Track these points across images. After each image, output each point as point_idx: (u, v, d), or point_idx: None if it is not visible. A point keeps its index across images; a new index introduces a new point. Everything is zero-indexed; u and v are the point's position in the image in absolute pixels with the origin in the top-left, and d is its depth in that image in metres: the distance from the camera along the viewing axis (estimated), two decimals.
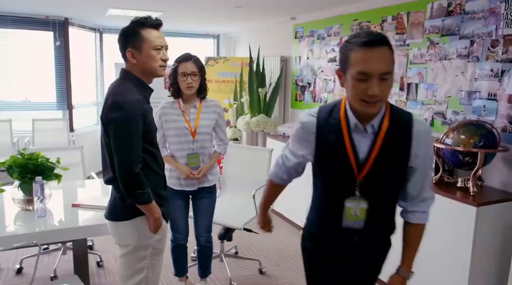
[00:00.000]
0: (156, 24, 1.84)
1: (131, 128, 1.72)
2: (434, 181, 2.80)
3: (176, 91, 2.69)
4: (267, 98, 5.30)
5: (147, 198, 1.78)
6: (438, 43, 3.15)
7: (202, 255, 2.93)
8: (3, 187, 2.58)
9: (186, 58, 2.64)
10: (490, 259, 2.51)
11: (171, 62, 2.69)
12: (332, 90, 4.42)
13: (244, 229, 3.11)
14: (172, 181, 2.74)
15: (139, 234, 1.85)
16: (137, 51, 1.81)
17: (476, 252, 2.43)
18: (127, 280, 1.89)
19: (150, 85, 1.93)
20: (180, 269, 2.98)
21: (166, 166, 2.75)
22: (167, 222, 2.01)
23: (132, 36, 1.81)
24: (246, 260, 3.54)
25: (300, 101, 5.04)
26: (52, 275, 3.16)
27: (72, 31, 5.84)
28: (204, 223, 2.84)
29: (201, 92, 2.71)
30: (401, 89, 3.51)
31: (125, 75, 1.87)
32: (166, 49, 1.90)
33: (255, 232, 3.72)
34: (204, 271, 2.98)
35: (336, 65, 4.33)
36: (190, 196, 2.84)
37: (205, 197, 2.81)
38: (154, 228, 1.87)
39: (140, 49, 1.81)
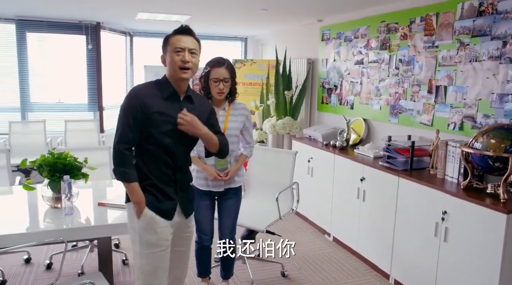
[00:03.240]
0: (181, 30, 1.98)
1: (125, 111, 1.93)
2: (462, 187, 2.72)
3: (206, 95, 2.69)
4: (293, 101, 5.28)
5: (124, 177, 1.92)
6: (468, 45, 3.05)
7: (225, 256, 2.94)
8: (34, 185, 2.68)
9: (219, 63, 2.62)
10: None
11: (202, 65, 2.72)
12: (358, 92, 4.36)
13: (267, 231, 3.10)
14: (199, 181, 2.76)
15: (130, 217, 2.03)
16: (165, 55, 2.00)
17: (506, 261, 2.33)
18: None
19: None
20: (204, 270, 3.00)
21: (193, 167, 2.78)
22: (163, 217, 2.00)
23: (164, 43, 2.02)
24: (268, 262, 3.53)
25: (327, 103, 4.99)
26: (79, 271, 3.25)
27: (104, 34, 6.01)
28: (228, 224, 2.85)
29: (231, 95, 2.72)
30: (429, 92, 3.42)
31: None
32: (191, 52, 1.97)
33: (278, 235, 3.72)
34: (227, 272, 3.00)
35: (364, 68, 4.27)
36: (216, 197, 2.86)
37: (230, 198, 2.82)
38: (135, 211, 1.98)
39: (166, 53, 1.99)
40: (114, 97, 6.46)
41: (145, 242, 1.98)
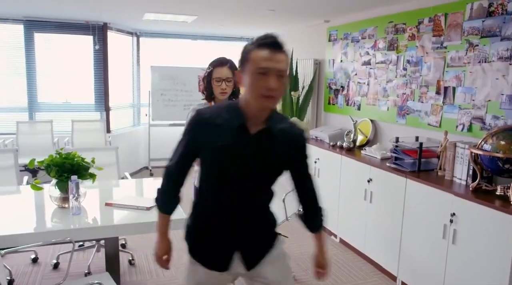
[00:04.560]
0: (270, 44, 1.45)
1: (182, 137, 1.63)
2: (471, 189, 2.69)
3: (209, 95, 2.68)
4: (300, 102, 5.27)
5: (156, 201, 1.70)
6: (477, 45, 3.03)
7: None
8: (42, 185, 2.69)
9: (222, 62, 2.61)
10: None
11: (202, 65, 2.72)
12: (366, 93, 4.34)
13: None
14: None
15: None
16: (243, 73, 1.51)
17: None
18: None
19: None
20: None
21: (196, 168, 2.78)
22: (211, 269, 1.64)
23: (243, 56, 1.52)
24: None
25: (333, 104, 4.98)
26: (86, 271, 3.26)
27: (111, 35, 6.03)
28: None
29: (235, 95, 2.69)
30: (438, 93, 3.40)
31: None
32: (280, 75, 1.44)
33: (284, 236, 3.71)
34: None
35: (371, 68, 4.25)
36: None
37: None
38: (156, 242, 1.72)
39: (245, 70, 1.49)
40: (121, 98, 6.49)
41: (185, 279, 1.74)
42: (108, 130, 6.03)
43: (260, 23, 5.67)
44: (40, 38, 5.75)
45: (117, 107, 6.34)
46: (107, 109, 6.10)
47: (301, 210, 1.82)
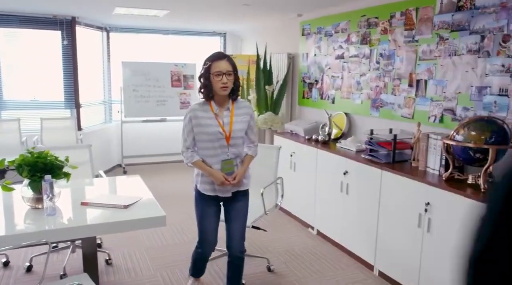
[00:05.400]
0: None
1: None
2: (444, 178, 2.77)
3: (208, 93, 2.53)
4: (274, 96, 5.29)
5: None
6: (447, 39, 3.11)
7: (235, 268, 2.76)
8: (13, 186, 2.59)
9: (220, 56, 2.50)
10: None
11: (192, 61, 2.64)
12: (339, 87, 4.39)
13: (253, 227, 3.10)
14: (205, 186, 2.61)
15: None
16: None
17: None
18: None
19: None
20: (198, 272, 2.97)
21: (197, 171, 2.65)
22: None
23: None
24: (254, 257, 3.53)
25: (308, 98, 5.01)
26: (61, 273, 3.18)
27: (80, 30, 5.86)
28: (238, 228, 2.69)
29: (234, 92, 2.57)
30: (410, 85, 3.47)
31: None
32: None
33: (263, 230, 3.73)
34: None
35: (344, 62, 4.30)
36: (222, 202, 2.73)
37: (239, 200, 2.69)
38: None
39: None
40: (92, 94, 6.32)
41: None
42: (79, 128, 5.87)
43: (234, 18, 5.63)
44: (3, 33, 5.52)
45: (88, 104, 6.18)
46: (77, 106, 5.93)
47: None
